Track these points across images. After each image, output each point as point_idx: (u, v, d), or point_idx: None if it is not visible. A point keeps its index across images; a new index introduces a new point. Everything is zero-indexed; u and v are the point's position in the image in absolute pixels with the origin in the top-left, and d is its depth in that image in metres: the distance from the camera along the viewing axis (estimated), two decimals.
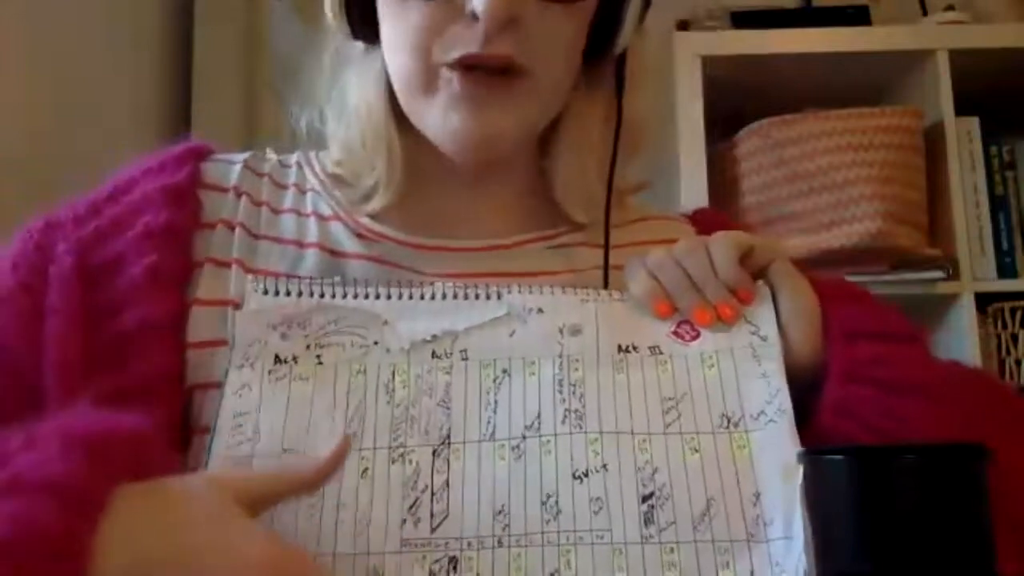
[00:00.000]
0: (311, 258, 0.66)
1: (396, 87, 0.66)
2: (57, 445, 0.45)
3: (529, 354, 0.59)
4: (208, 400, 0.59)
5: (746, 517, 0.53)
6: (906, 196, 1.57)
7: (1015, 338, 1.61)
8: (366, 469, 0.55)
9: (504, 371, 0.58)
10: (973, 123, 1.67)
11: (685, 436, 0.56)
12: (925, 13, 1.79)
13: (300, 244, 0.67)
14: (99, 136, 1.43)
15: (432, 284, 0.61)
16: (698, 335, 0.60)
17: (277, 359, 0.58)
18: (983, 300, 1.61)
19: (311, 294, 0.60)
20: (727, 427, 0.56)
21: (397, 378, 0.58)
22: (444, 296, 0.61)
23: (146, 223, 0.63)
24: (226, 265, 0.64)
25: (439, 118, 0.64)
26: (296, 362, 0.58)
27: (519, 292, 0.61)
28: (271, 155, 0.74)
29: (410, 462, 0.55)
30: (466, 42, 0.61)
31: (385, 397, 0.57)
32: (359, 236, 0.68)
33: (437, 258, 0.68)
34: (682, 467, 0.55)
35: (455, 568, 0.52)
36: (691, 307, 0.60)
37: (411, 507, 0.54)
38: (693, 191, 1.59)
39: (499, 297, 0.61)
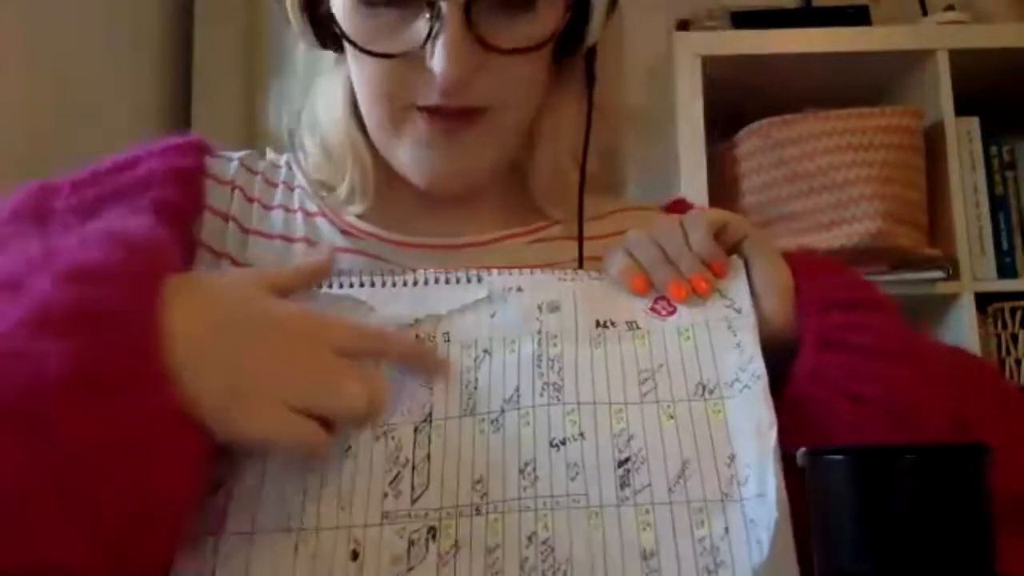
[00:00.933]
0: (298, 252, 0.68)
1: (365, 119, 0.68)
2: (96, 241, 0.50)
3: (509, 333, 0.60)
4: None
5: (720, 478, 0.54)
6: (906, 196, 1.57)
7: (1015, 338, 1.61)
8: (349, 447, 0.56)
9: (485, 351, 0.59)
10: (973, 123, 1.67)
11: (661, 404, 0.57)
12: (925, 13, 1.79)
13: (288, 239, 0.69)
14: (99, 136, 1.43)
15: (415, 271, 0.63)
16: (674, 310, 0.61)
17: None
18: (983, 300, 1.61)
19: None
20: (702, 395, 0.57)
21: (381, 360, 0.59)
22: (427, 282, 0.62)
23: (153, 197, 0.65)
24: (219, 256, 0.67)
25: (408, 158, 0.66)
26: None
27: (499, 274, 0.62)
28: (271, 154, 0.76)
29: (392, 439, 0.56)
30: (427, 94, 0.63)
31: None
32: (344, 232, 0.70)
33: (419, 255, 0.69)
34: (657, 433, 0.55)
35: (433, 537, 0.53)
36: (666, 282, 0.62)
37: (392, 481, 0.55)
38: (693, 191, 1.59)
39: (480, 280, 0.62)
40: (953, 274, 1.58)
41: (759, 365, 0.57)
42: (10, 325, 0.46)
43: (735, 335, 0.59)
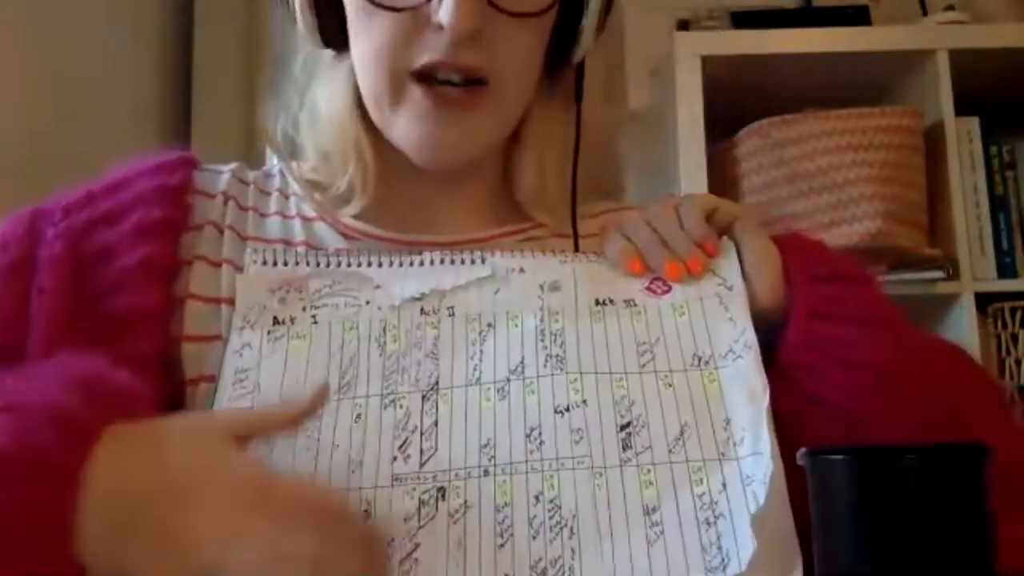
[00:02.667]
0: (300, 255, 0.68)
1: (365, 99, 0.69)
2: (55, 380, 0.49)
3: (512, 309, 0.63)
4: (200, 393, 0.63)
5: (717, 440, 0.57)
6: (906, 196, 1.57)
7: (1015, 338, 1.61)
8: (359, 415, 0.58)
9: (489, 324, 0.62)
10: (973, 123, 1.67)
11: (659, 374, 0.60)
12: (925, 13, 1.79)
13: (287, 243, 0.70)
14: (99, 136, 1.43)
15: (420, 252, 0.65)
16: (669, 289, 0.65)
17: (276, 320, 0.63)
18: (983, 300, 1.61)
19: (307, 263, 0.65)
20: (698, 365, 0.61)
21: (388, 333, 0.62)
22: (432, 262, 0.65)
23: (139, 218, 0.66)
24: (217, 265, 0.67)
25: (405, 131, 0.67)
26: (293, 322, 0.63)
27: (502, 256, 0.65)
28: (273, 161, 0.78)
29: (400, 407, 0.58)
30: (432, 50, 0.64)
31: (377, 350, 0.61)
32: (342, 235, 0.71)
33: (414, 252, 0.70)
34: (657, 399, 0.59)
35: (443, 496, 0.55)
36: (662, 262, 0.65)
37: (401, 446, 0.57)
38: (693, 191, 1.59)
39: (483, 261, 0.65)
40: (953, 274, 1.58)
41: (750, 336, 0.61)
42: None
43: (727, 310, 0.63)
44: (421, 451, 0.57)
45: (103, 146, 1.44)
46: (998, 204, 1.67)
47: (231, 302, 0.64)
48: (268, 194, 0.74)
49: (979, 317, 1.60)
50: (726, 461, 0.56)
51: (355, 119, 0.71)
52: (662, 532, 0.54)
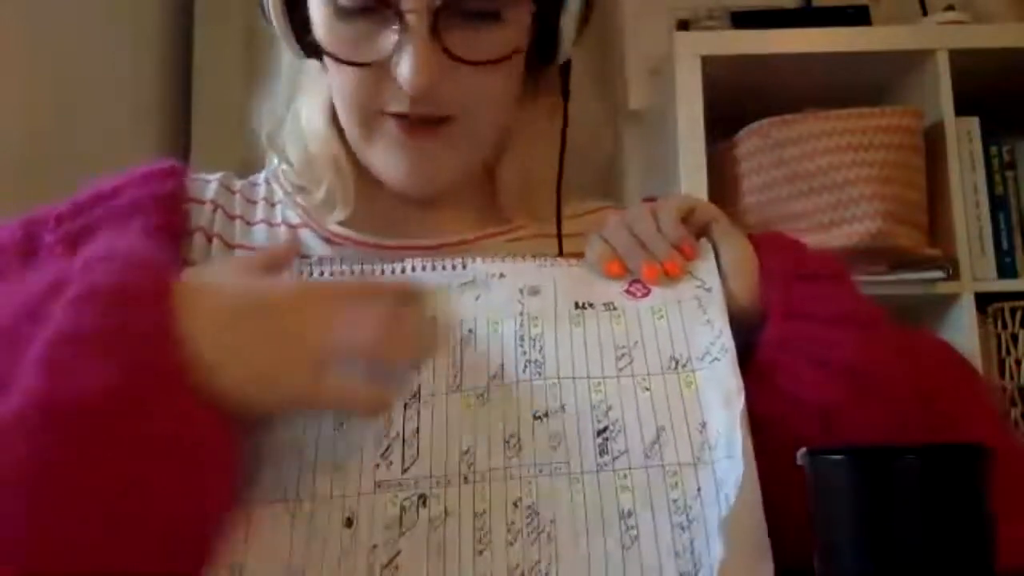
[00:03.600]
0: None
1: (343, 125, 0.71)
2: (117, 264, 0.51)
3: (493, 314, 0.63)
4: None
5: (693, 443, 0.57)
6: (906, 196, 1.57)
7: (1015, 338, 1.61)
8: (342, 423, 0.59)
9: (470, 330, 0.62)
10: (973, 123, 1.67)
11: (636, 378, 0.60)
12: (925, 13, 1.79)
13: None
14: (99, 136, 1.43)
15: (403, 260, 0.66)
16: (648, 292, 0.65)
17: None
18: (983, 300, 1.61)
19: (292, 271, 0.65)
20: (675, 368, 0.61)
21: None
22: (413, 269, 0.66)
23: (142, 224, 0.67)
24: None
25: (382, 161, 0.70)
26: None
27: (482, 262, 0.66)
28: (275, 162, 0.79)
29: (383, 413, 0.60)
30: (397, 102, 0.66)
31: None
32: (327, 240, 0.73)
33: (399, 257, 0.71)
34: (634, 403, 0.59)
35: (424, 503, 0.56)
36: (640, 265, 0.65)
37: (383, 453, 0.58)
38: (693, 191, 1.59)
39: (464, 267, 0.66)
40: (953, 274, 1.58)
41: (727, 339, 0.61)
42: (43, 347, 0.47)
43: (705, 312, 0.63)
44: (403, 458, 0.57)
45: (103, 146, 1.44)
46: (998, 204, 1.67)
47: None
48: (254, 203, 0.76)
49: (979, 317, 1.60)
50: (701, 465, 0.57)
51: (334, 133, 0.73)
52: (637, 536, 0.55)
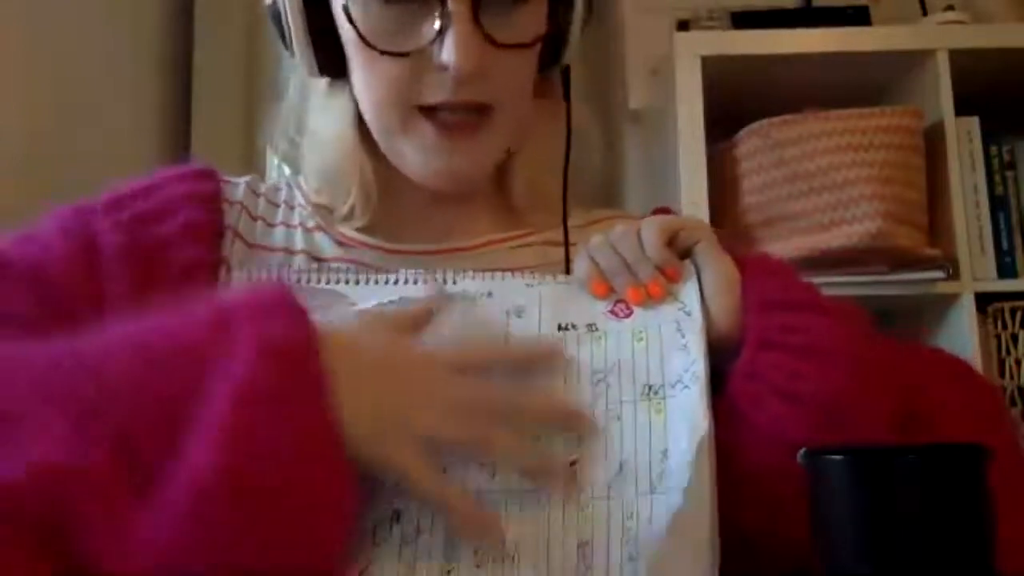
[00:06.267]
0: (298, 263, 0.74)
1: (371, 127, 0.72)
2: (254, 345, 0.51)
3: (479, 333, 0.65)
4: None
5: (652, 473, 0.59)
6: (906, 196, 1.56)
7: (1015, 338, 1.61)
8: None
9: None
10: (973, 123, 1.67)
11: (610, 405, 0.62)
12: (925, 13, 1.79)
13: (289, 251, 0.75)
14: (99, 136, 1.43)
15: (396, 272, 0.67)
16: (631, 312, 0.66)
17: None
18: (983, 300, 1.61)
19: (287, 279, 0.67)
20: (648, 395, 0.62)
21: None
22: (406, 281, 0.67)
23: (185, 219, 0.70)
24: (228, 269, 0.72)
25: (414, 160, 0.71)
26: None
27: (471, 279, 0.67)
28: (274, 162, 0.81)
29: None
30: (438, 90, 0.67)
31: None
32: (339, 243, 0.75)
33: (409, 261, 0.74)
34: (604, 437, 0.61)
35: (397, 520, 0.58)
36: (624, 286, 0.66)
37: None
38: (693, 191, 1.59)
39: (455, 283, 0.67)
40: (953, 274, 1.58)
41: (701, 367, 0.62)
42: (227, 406, 0.49)
43: (683, 336, 0.64)
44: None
45: (103, 146, 1.44)
46: (998, 204, 1.67)
47: None
48: (276, 205, 0.78)
49: (979, 317, 1.59)
50: (656, 494, 0.58)
51: (356, 143, 0.74)
52: (591, 565, 0.57)
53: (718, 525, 0.57)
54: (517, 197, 0.78)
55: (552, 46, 0.72)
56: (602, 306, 0.66)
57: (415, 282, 0.67)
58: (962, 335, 1.57)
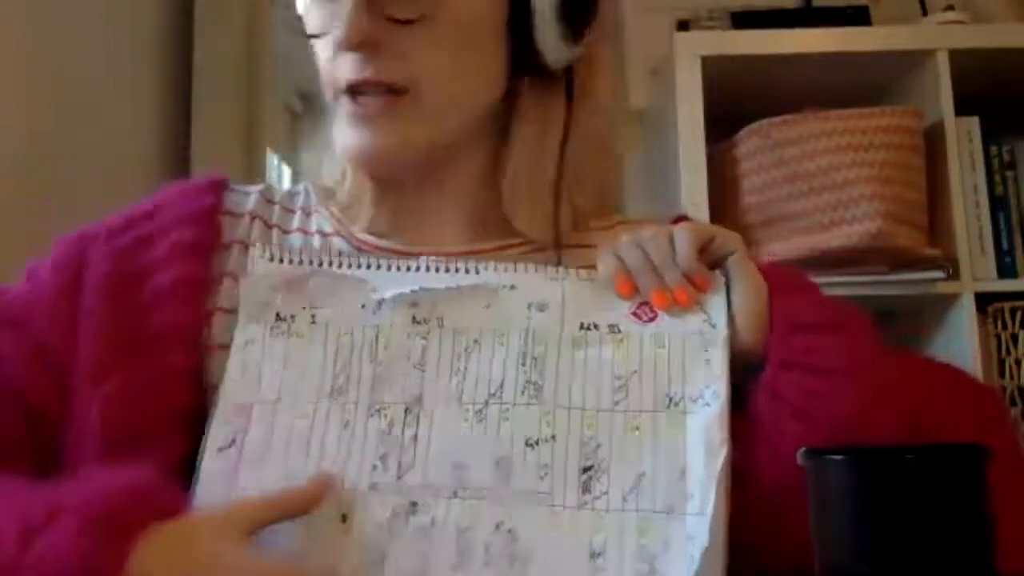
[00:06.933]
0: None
1: None
2: (76, 523, 0.53)
3: (499, 327, 0.64)
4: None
5: (670, 491, 0.59)
6: (906, 196, 1.56)
7: (1015, 338, 1.61)
8: (348, 421, 0.62)
9: (475, 340, 0.64)
10: (973, 123, 1.67)
11: (629, 414, 0.61)
12: (925, 13, 1.79)
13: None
14: (99, 136, 1.43)
15: (417, 259, 0.67)
16: (655, 316, 0.65)
17: (278, 317, 0.66)
18: (983, 300, 1.61)
19: (310, 262, 0.68)
20: (668, 406, 0.62)
21: (380, 340, 0.64)
22: (428, 268, 0.67)
23: (174, 240, 0.70)
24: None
25: (340, 140, 0.72)
26: (294, 320, 0.66)
27: (495, 270, 0.67)
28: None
29: (385, 416, 0.62)
30: (348, 69, 0.69)
31: (368, 357, 0.64)
32: (356, 248, 0.75)
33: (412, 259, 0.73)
34: (622, 443, 0.60)
35: (414, 511, 0.58)
36: (650, 289, 0.65)
37: (382, 456, 0.60)
38: (693, 191, 1.59)
39: (477, 272, 0.67)
40: (953, 274, 1.58)
41: (722, 385, 0.62)
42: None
43: (706, 350, 0.63)
44: (399, 463, 0.60)
45: (103, 146, 1.44)
46: (998, 204, 1.67)
47: None
48: (292, 212, 0.78)
49: (979, 317, 1.59)
50: (673, 516, 0.58)
51: None
52: None
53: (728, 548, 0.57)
54: (508, 204, 0.75)
55: (520, 39, 0.70)
56: (626, 307, 0.65)
57: (436, 270, 0.67)
58: (962, 335, 1.57)
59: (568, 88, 0.74)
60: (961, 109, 1.62)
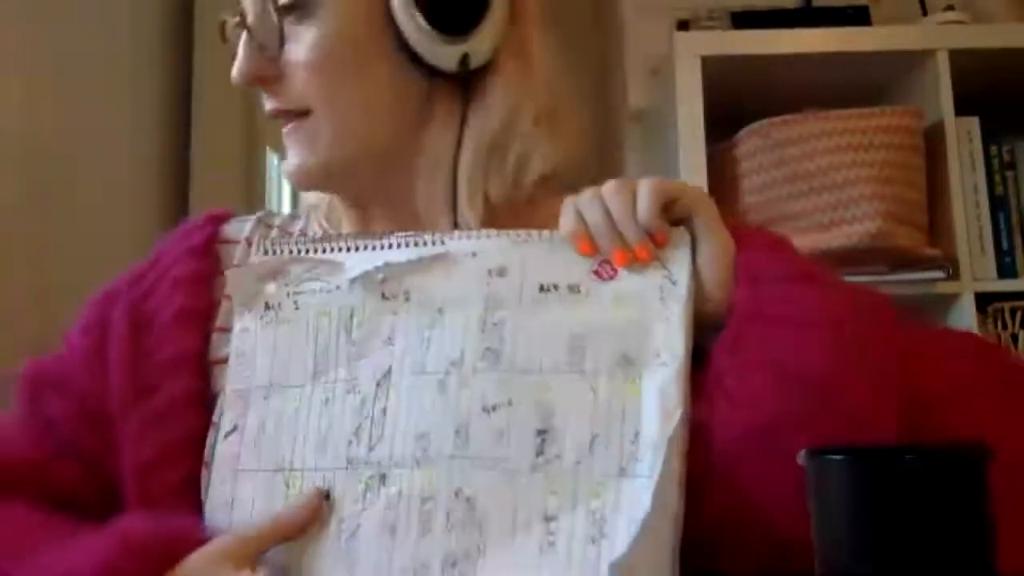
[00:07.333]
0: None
1: None
2: (111, 542, 0.60)
3: (461, 295, 0.66)
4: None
5: (623, 453, 0.60)
6: (906, 196, 1.57)
7: (1015, 338, 1.61)
8: (328, 398, 0.65)
9: (439, 311, 0.66)
10: (973, 123, 1.67)
11: (587, 374, 0.62)
12: (925, 13, 1.79)
13: None
14: (99, 136, 1.43)
15: (387, 235, 0.69)
16: (616, 274, 0.65)
17: (267, 306, 0.70)
18: (983, 300, 1.61)
19: (290, 251, 0.71)
20: (624, 366, 0.62)
21: (355, 318, 0.67)
22: (398, 245, 0.69)
23: (173, 277, 0.75)
24: None
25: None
26: (280, 308, 0.69)
27: (458, 239, 0.68)
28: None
29: (359, 392, 0.64)
30: (264, 103, 0.75)
31: (345, 336, 0.67)
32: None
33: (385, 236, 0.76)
34: (576, 405, 0.61)
35: (383, 482, 0.61)
36: (610, 247, 0.65)
37: (356, 430, 0.63)
38: None
39: (442, 243, 0.68)
40: (953, 274, 1.58)
41: (680, 344, 0.62)
42: None
43: (666, 306, 0.64)
44: (370, 436, 0.63)
45: (103, 146, 1.44)
46: (998, 204, 1.67)
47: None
48: (290, 234, 0.80)
49: (979, 317, 1.60)
50: (624, 478, 0.59)
51: None
52: (554, 542, 0.58)
53: (683, 518, 0.58)
54: (420, 210, 0.75)
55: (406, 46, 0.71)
56: (587, 264, 0.66)
57: (405, 245, 0.68)
58: None
59: (466, 88, 0.73)
60: (961, 109, 1.62)
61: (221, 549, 0.60)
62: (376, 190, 0.76)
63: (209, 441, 0.67)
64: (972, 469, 0.45)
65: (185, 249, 0.77)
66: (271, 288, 0.70)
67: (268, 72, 0.72)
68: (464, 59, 0.71)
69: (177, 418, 0.69)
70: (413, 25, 0.70)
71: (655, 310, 0.63)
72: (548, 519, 0.59)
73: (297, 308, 0.69)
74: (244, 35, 0.72)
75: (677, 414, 0.59)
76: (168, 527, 0.62)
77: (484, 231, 0.68)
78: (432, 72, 0.72)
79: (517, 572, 0.58)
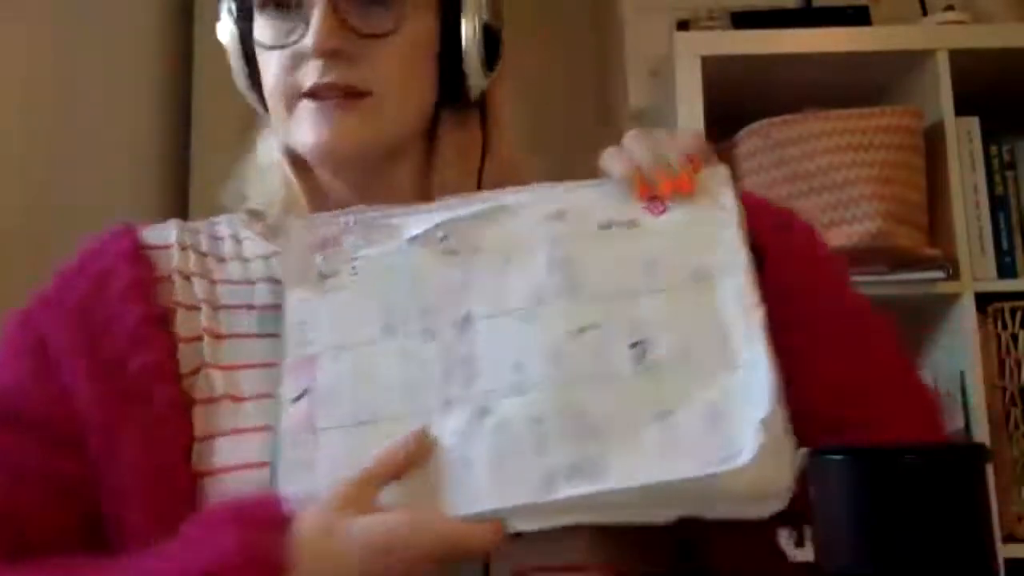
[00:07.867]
0: (261, 290, 0.76)
1: (272, 122, 0.80)
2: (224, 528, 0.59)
3: (526, 240, 0.69)
4: (199, 414, 0.69)
5: (717, 352, 0.63)
6: (906, 196, 1.57)
7: (1015, 338, 1.61)
8: (405, 350, 0.66)
9: (506, 259, 0.68)
10: (973, 123, 1.67)
11: (663, 292, 0.66)
12: (925, 13, 1.79)
13: (250, 281, 0.77)
14: (99, 136, 1.43)
15: (440, 199, 0.73)
16: (665, 209, 0.70)
17: (321, 275, 0.71)
18: (983, 300, 1.61)
19: (341, 223, 0.73)
20: (697, 281, 0.66)
21: (420, 274, 0.69)
22: (449, 208, 0.71)
23: (119, 284, 0.73)
24: (195, 308, 0.74)
25: (299, 135, 0.76)
26: (337, 275, 0.71)
27: (511, 193, 0.72)
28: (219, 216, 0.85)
29: (439, 340, 0.66)
30: (312, 74, 0.74)
31: (412, 291, 0.69)
32: None
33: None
34: (663, 318, 0.64)
35: (488, 414, 0.62)
36: (660, 180, 0.70)
37: (445, 373, 0.65)
38: None
39: (495, 200, 0.71)
40: (953, 274, 1.58)
41: (743, 256, 0.66)
42: None
43: (721, 228, 0.68)
44: (464, 376, 0.64)
45: (103, 146, 1.44)
46: (998, 204, 1.67)
47: (215, 335, 0.72)
48: (221, 239, 0.80)
49: (979, 317, 1.59)
50: (724, 372, 0.62)
51: (285, 159, 0.81)
52: (677, 431, 0.60)
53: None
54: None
55: (445, 68, 0.78)
56: (638, 204, 0.70)
57: (451, 209, 0.71)
58: (962, 335, 1.57)
59: (483, 116, 0.82)
60: (961, 109, 1.62)
61: (339, 498, 0.60)
62: (380, 180, 0.79)
63: (274, 414, 0.66)
64: (972, 469, 0.45)
65: (115, 254, 0.75)
66: (325, 259, 0.71)
67: (344, 46, 0.74)
68: (481, 92, 0.79)
69: (177, 422, 0.68)
70: (474, 50, 0.77)
71: (711, 232, 0.68)
72: (663, 415, 0.61)
73: (355, 273, 0.70)
74: (323, 6, 0.73)
75: (759, 309, 0.63)
76: (263, 498, 0.62)
77: (527, 186, 0.72)
78: (445, 97, 0.79)
79: (645, 465, 0.59)
